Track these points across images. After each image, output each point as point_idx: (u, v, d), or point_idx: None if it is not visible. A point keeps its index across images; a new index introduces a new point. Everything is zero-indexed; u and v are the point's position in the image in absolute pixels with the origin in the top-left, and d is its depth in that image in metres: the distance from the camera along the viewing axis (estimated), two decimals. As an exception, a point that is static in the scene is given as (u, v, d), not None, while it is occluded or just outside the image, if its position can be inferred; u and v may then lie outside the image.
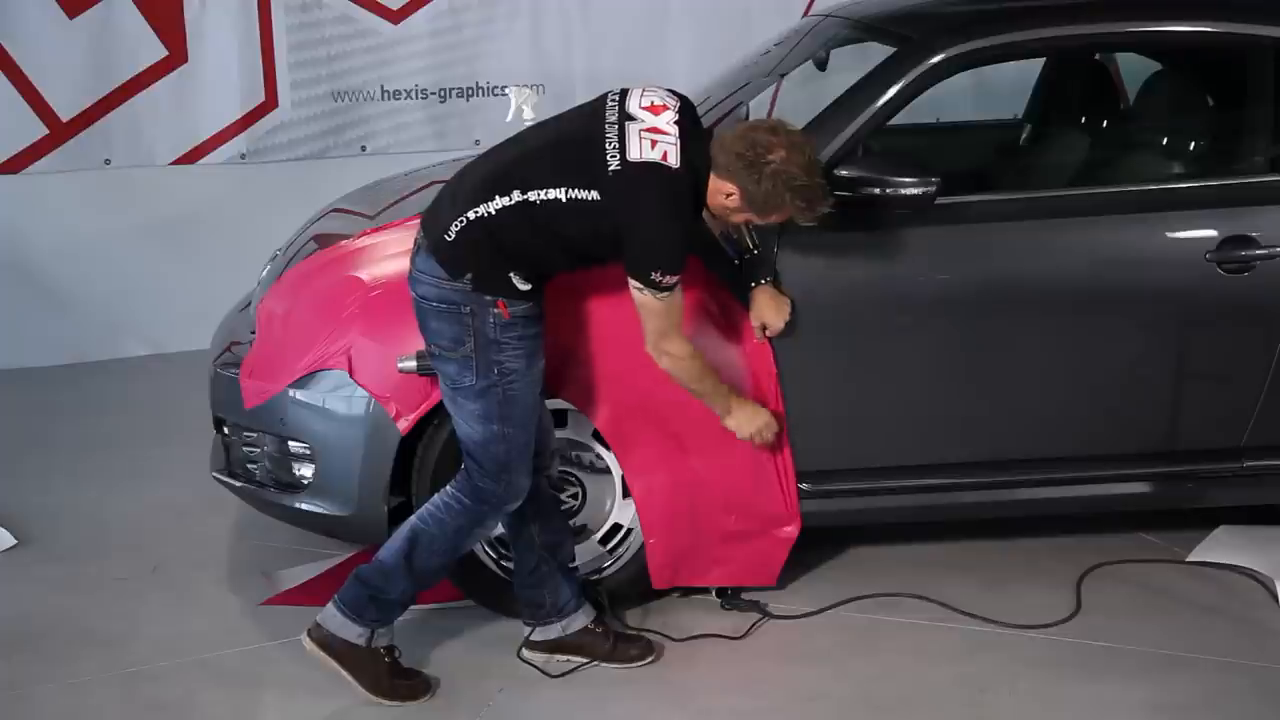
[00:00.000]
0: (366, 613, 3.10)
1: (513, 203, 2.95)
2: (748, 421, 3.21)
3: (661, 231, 2.93)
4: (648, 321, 3.01)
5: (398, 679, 3.14)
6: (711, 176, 2.97)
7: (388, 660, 3.13)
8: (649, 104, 2.99)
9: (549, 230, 2.96)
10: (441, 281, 2.99)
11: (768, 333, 3.29)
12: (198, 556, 3.90)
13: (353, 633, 3.10)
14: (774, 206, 2.97)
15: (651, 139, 2.93)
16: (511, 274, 2.96)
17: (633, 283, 2.95)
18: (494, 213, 2.95)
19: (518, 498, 3.10)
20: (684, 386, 3.13)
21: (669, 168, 2.92)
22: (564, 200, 2.93)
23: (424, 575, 3.12)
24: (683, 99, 3.06)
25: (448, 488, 3.12)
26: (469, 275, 2.96)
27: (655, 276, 2.91)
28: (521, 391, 3.02)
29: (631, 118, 2.96)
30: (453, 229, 2.98)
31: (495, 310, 2.96)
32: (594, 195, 2.92)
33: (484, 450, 3.04)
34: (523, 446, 3.06)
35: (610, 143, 2.94)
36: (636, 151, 2.92)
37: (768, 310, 3.27)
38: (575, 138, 3.01)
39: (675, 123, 2.97)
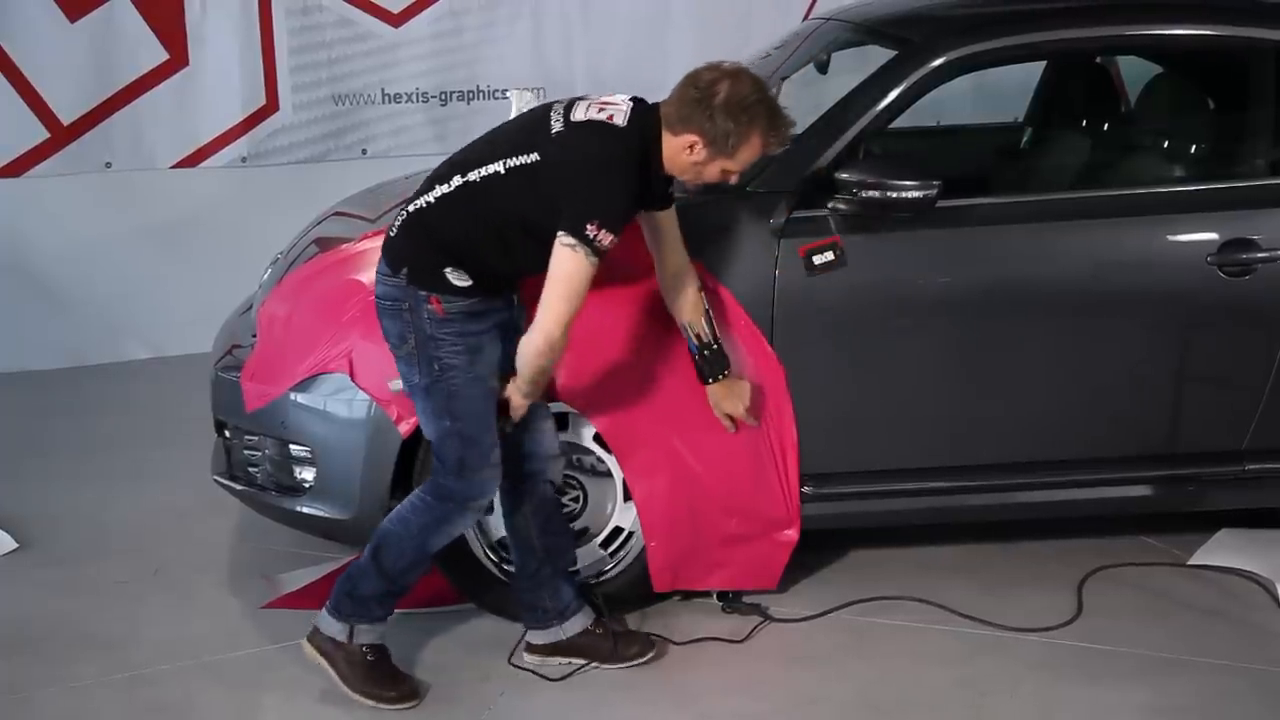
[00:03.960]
0: (343, 607, 3.11)
1: (452, 189, 2.94)
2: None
3: (603, 182, 2.85)
4: (557, 293, 2.84)
5: (378, 679, 3.12)
6: (669, 139, 2.91)
7: (370, 659, 3.12)
8: (598, 98, 2.98)
9: (485, 208, 2.91)
10: (386, 278, 3.00)
11: (732, 417, 3.28)
12: (198, 559, 3.90)
13: (334, 628, 3.12)
14: (739, 138, 2.87)
15: (599, 106, 2.93)
16: (446, 269, 2.93)
17: (564, 239, 2.82)
18: (432, 201, 2.96)
19: (481, 496, 3.07)
20: (520, 367, 2.96)
21: (615, 125, 2.90)
22: (503, 172, 2.91)
23: (394, 575, 3.10)
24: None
25: (418, 488, 3.13)
26: (405, 270, 2.96)
27: (590, 230, 2.80)
28: (465, 387, 2.97)
29: (581, 99, 2.97)
30: (396, 224, 3.01)
31: (429, 307, 2.94)
32: (534, 157, 2.90)
33: (442, 447, 3.03)
34: (477, 442, 3.01)
35: (556, 115, 2.94)
36: (582, 114, 2.91)
37: (727, 402, 3.25)
38: (522, 122, 3.02)
39: (629, 100, 2.96)
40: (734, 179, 3.00)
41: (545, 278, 2.88)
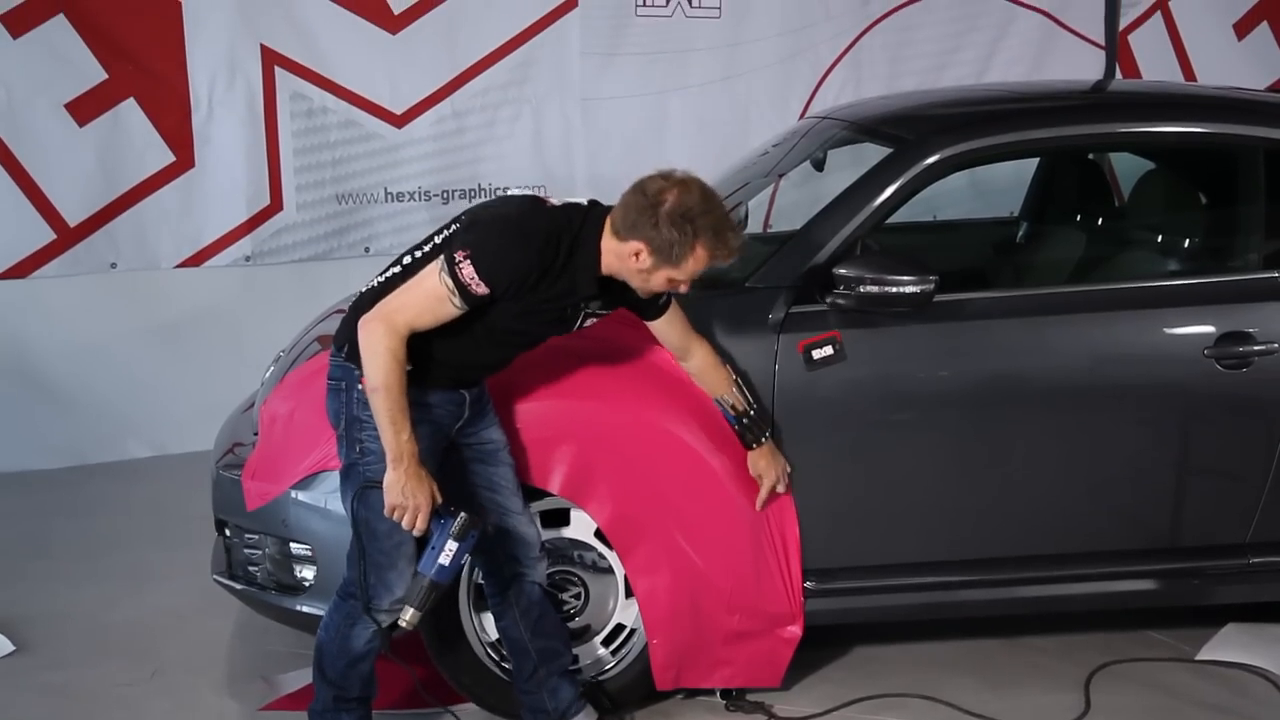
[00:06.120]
0: None
1: (400, 268, 2.97)
2: (397, 488, 2.84)
3: (499, 231, 2.84)
4: (403, 294, 2.85)
5: None
6: (613, 243, 2.88)
7: None
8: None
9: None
10: (333, 357, 3.03)
11: (765, 486, 3.28)
12: (198, 661, 3.87)
13: None
14: (684, 249, 2.83)
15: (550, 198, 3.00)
16: None
17: (440, 259, 2.84)
18: (378, 284, 2.98)
19: (380, 595, 2.99)
20: (365, 372, 2.84)
21: (546, 202, 2.94)
22: (438, 241, 2.95)
23: (335, 680, 3.07)
24: None
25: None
26: (346, 347, 2.98)
27: (459, 255, 2.79)
28: (379, 476, 2.89)
29: None
30: (348, 307, 3.05)
31: (358, 386, 2.93)
32: (461, 219, 2.95)
33: (351, 535, 3.00)
34: (384, 537, 2.94)
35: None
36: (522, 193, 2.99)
37: (765, 461, 3.26)
38: None
39: (588, 201, 2.97)
40: (684, 288, 2.95)
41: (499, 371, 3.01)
